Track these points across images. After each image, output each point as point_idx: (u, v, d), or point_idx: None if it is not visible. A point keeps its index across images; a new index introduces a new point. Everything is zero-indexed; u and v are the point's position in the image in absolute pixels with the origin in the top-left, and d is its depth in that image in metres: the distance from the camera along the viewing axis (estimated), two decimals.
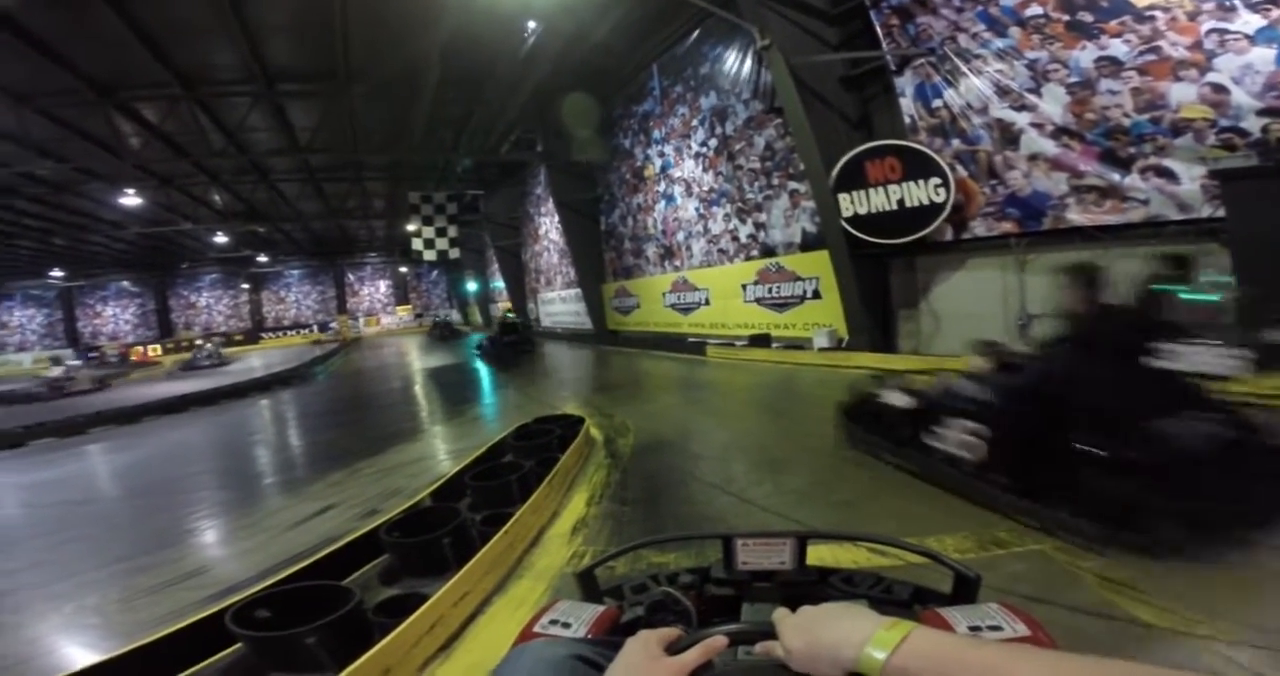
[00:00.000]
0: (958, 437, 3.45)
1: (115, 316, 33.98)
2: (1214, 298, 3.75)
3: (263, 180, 18.57)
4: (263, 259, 33.43)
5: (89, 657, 2.47)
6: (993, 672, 0.54)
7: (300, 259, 36.54)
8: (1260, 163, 4.94)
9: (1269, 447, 2.68)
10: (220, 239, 25.53)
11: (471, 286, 35.28)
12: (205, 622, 2.49)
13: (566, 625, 1.04)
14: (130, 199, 16.05)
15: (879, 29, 7.89)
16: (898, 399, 4.09)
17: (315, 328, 37.49)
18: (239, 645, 2.43)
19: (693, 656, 0.72)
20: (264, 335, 35.64)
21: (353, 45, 10.53)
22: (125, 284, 33.87)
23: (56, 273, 29.47)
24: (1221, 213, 5.30)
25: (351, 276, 39.32)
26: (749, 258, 11.84)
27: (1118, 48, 5.79)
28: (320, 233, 30.40)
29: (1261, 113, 5.04)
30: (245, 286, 36.33)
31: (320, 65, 11.36)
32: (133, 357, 29.52)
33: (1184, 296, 3.56)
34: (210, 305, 36.19)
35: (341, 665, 2.09)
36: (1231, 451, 2.55)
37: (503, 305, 22.61)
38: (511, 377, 12.13)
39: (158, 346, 32.19)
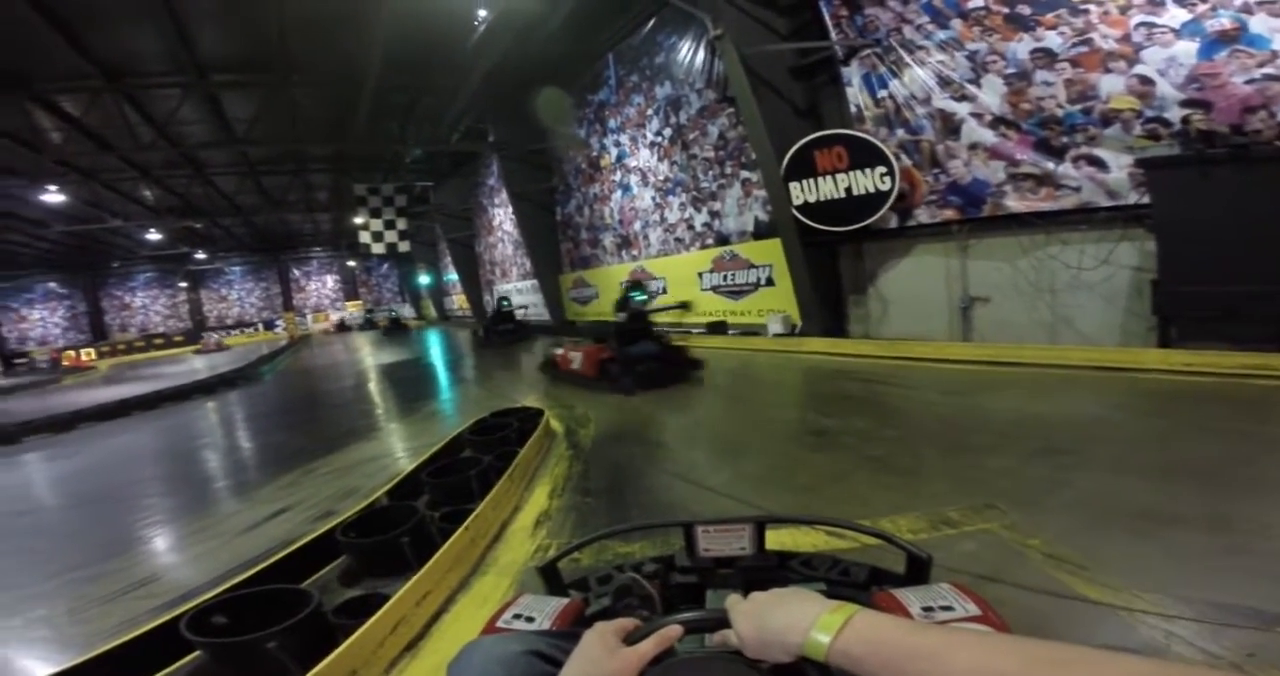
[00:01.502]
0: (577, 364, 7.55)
1: (43, 319, 32.08)
2: (644, 297, 8.74)
3: (198, 174, 17.75)
4: (201, 256, 32.06)
5: (41, 671, 2.37)
6: (932, 656, 0.55)
7: (241, 255, 35.14)
8: (1181, 152, 5.22)
9: (669, 354, 7.78)
10: (154, 236, 24.36)
11: (424, 279, 34.55)
12: (160, 630, 2.41)
13: (530, 619, 1.04)
14: (52, 196, 15.15)
15: (828, 20, 8.01)
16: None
17: (260, 326, 36.17)
18: (197, 653, 2.36)
19: (648, 646, 0.73)
20: (205, 335, 34.21)
21: (291, 32, 10.12)
22: (53, 285, 31.98)
23: None
24: (1147, 200, 5.58)
25: (297, 271, 38.05)
26: (704, 246, 11.93)
27: (1053, 40, 6.02)
28: (262, 227, 29.30)
29: (1184, 104, 5.32)
30: (183, 285, 34.76)
31: (257, 54, 10.90)
32: (65, 362, 27.93)
33: (638, 298, 8.47)
34: (146, 305, 34.50)
35: (305, 669, 2.05)
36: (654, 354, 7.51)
37: (499, 289, 22.21)
38: (471, 370, 11.96)
39: (91, 350, 30.53)
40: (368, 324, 34.77)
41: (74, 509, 5.75)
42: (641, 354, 7.55)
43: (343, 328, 35.99)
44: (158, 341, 32.80)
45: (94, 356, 29.98)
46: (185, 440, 8.53)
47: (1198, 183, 5.05)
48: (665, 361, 7.69)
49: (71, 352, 29.75)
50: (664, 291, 13.44)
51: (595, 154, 15.01)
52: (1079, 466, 3.49)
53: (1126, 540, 2.62)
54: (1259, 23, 4.84)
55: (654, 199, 13.20)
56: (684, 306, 10.38)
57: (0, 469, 7.69)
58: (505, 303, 17.78)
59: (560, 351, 8.71)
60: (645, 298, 8.81)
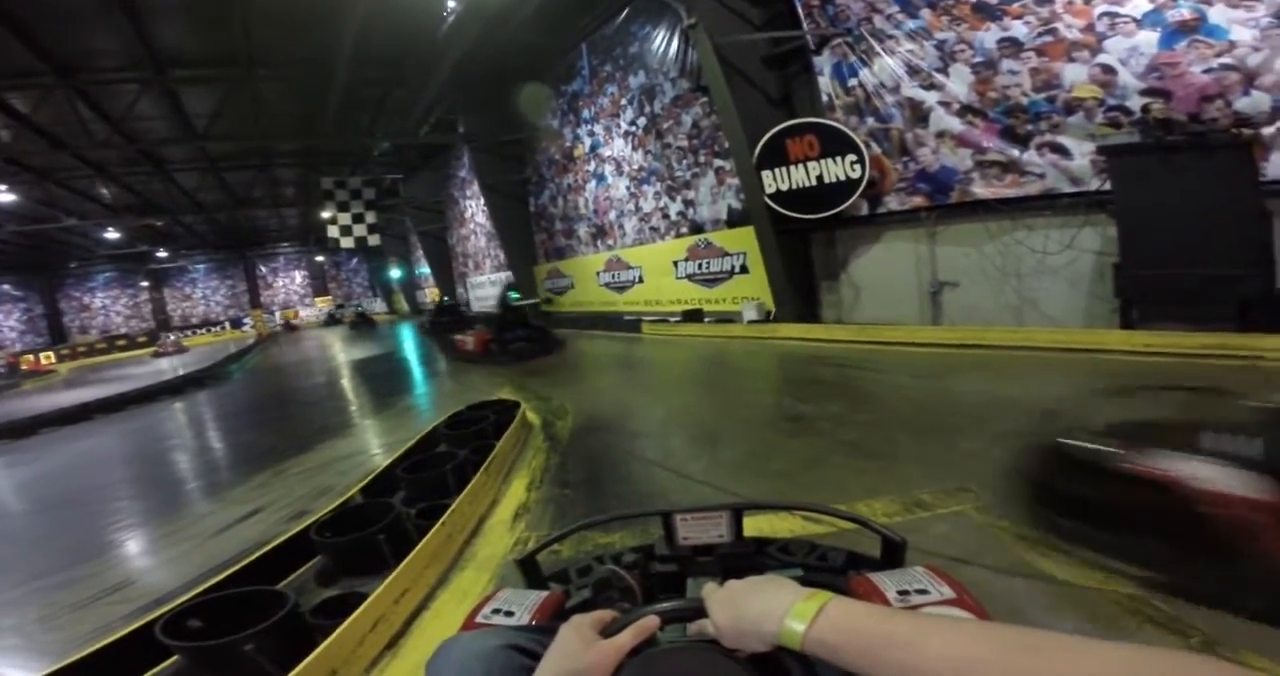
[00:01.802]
0: None
1: None
2: (518, 296, 12.41)
3: (157, 171, 17.17)
4: (163, 254, 31.10)
5: None
6: (906, 643, 0.55)
7: (205, 252, 34.19)
8: (1141, 140, 5.35)
9: (535, 337, 10.84)
10: (112, 235, 23.54)
11: (395, 273, 34.06)
12: (135, 636, 2.37)
13: (510, 613, 1.03)
14: (3, 196, 14.56)
15: (800, 9, 8.03)
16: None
17: (227, 324, 35.33)
18: (174, 657, 2.32)
19: (626, 638, 0.73)
20: (162, 335, 33.28)
21: (255, 25, 9.83)
22: (7, 287, 30.77)
23: None
24: (1108, 186, 5.71)
25: (264, 268, 37.17)
26: (679, 235, 11.94)
27: (1019, 29, 6.11)
28: (226, 224, 28.50)
29: (1144, 93, 5.45)
30: (145, 284, 33.71)
31: (218, 48, 10.56)
32: (23, 367, 26.99)
33: (514, 295, 11.55)
34: (107, 306, 33.40)
35: (285, 670, 2.03)
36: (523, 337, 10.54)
37: (473, 281, 22.22)
38: (414, 352, 11.85)
39: (50, 353, 29.53)
40: (331, 320, 34.05)
41: (39, 515, 5.59)
42: (513, 337, 10.61)
43: (289, 327, 34.50)
44: (120, 343, 31.79)
45: (53, 360, 29.02)
46: (152, 442, 8.32)
47: (1157, 169, 5.18)
48: (531, 342, 10.70)
49: (30, 357, 28.77)
50: (640, 280, 13.45)
51: (569, 144, 14.89)
52: None
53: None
54: (1218, 13, 4.97)
55: (629, 188, 13.15)
56: (548, 302, 16.05)
57: None
58: (446, 299, 21.39)
59: (459, 337, 11.22)
60: (519, 296, 12.78)
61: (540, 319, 15.18)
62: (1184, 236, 5.10)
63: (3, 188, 14.25)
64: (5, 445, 9.09)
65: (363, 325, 27.45)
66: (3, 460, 8.16)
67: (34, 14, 8.64)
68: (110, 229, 22.47)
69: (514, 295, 12.16)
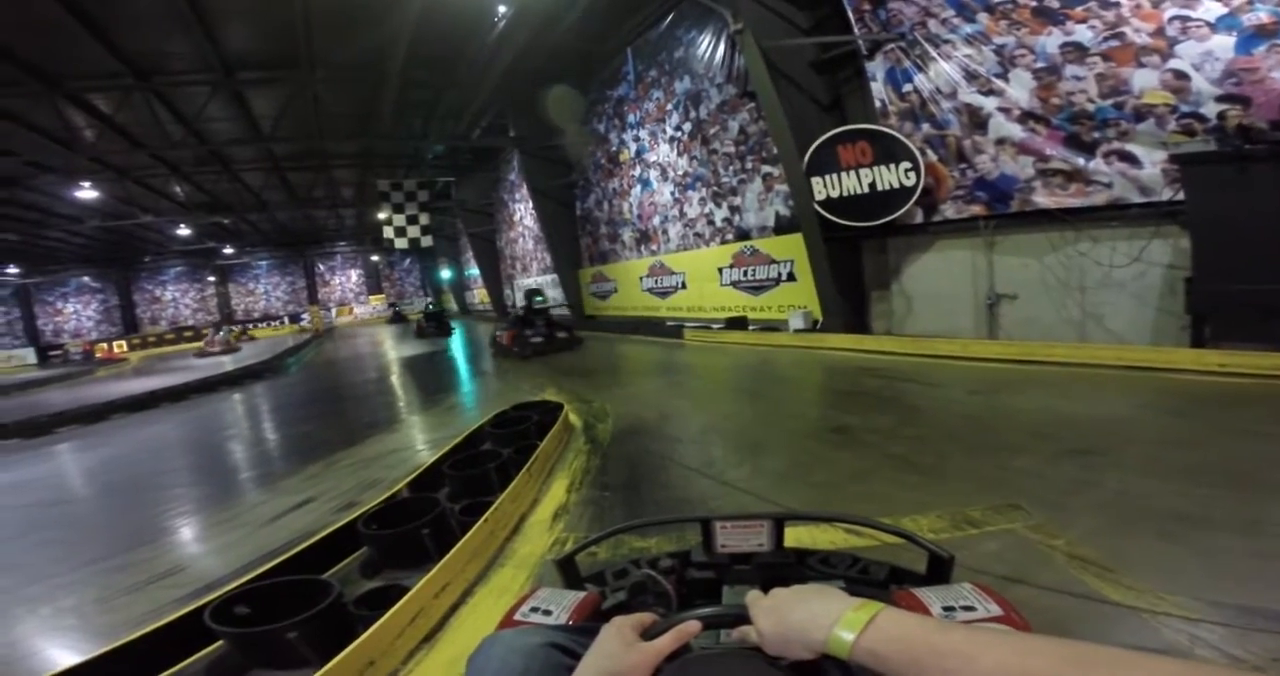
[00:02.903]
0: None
1: (77, 313, 32.97)
2: (541, 299, 13.65)
3: (225, 170, 18.06)
4: (229, 250, 32.65)
5: (70, 658, 2.43)
6: (958, 656, 0.55)
7: (268, 249, 35.78)
8: (1218, 148, 5.07)
9: (551, 334, 12.68)
10: (183, 231, 24.82)
11: (446, 274, 34.91)
12: (185, 620, 2.47)
13: (547, 612, 1.04)
14: (86, 192, 15.54)
15: (850, 13, 7.90)
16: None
17: (286, 319, 36.79)
18: (220, 642, 2.41)
19: (666, 641, 0.73)
20: (211, 329, 34.86)
21: (315, 29, 10.24)
22: (86, 279, 32.84)
23: (12, 269, 28.46)
24: (1181, 196, 5.43)
25: (322, 266, 38.64)
26: (724, 241, 11.87)
27: (1083, 33, 5.88)
28: (287, 223, 29.74)
29: (1220, 99, 5.17)
30: (212, 279, 35.51)
31: (281, 51, 11.04)
32: (98, 355, 28.67)
33: (537, 299, 13.15)
34: (176, 299, 35.32)
35: (325, 659, 2.08)
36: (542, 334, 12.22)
37: (520, 283, 22.83)
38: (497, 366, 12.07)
39: (123, 342, 31.29)
40: (397, 318, 33.86)
41: (103, 499, 5.90)
42: (534, 333, 12.45)
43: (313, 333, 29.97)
44: (187, 334, 33.51)
45: (125, 349, 30.76)
46: (212, 431, 8.71)
47: (1235, 179, 4.90)
48: (548, 339, 12.49)
49: (104, 345, 30.55)
50: (683, 286, 13.43)
51: (614, 149, 15.01)
52: (1107, 467, 3.41)
53: (1153, 542, 2.56)
54: None
55: (673, 194, 13.16)
56: (568, 306, 17.96)
57: (32, 460, 7.91)
58: (431, 304, 24.22)
59: (499, 333, 13.16)
60: (542, 299, 14.13)
61: (576, 319, 16.56)
62: (1262, 250, 4.80)
63: (87, 184, 15.19)
64: (78, 429, 9.65)
65: (434, 332, 20.78)
66: (75, 444, 8.66)
67: (113, 19, 9.20)
68: (182, 225, 23.71)
69: (538, 298, 13.95)
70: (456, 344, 18.37)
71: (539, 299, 13.92)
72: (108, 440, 8.66)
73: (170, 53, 10.59)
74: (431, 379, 11.83)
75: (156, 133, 12.88)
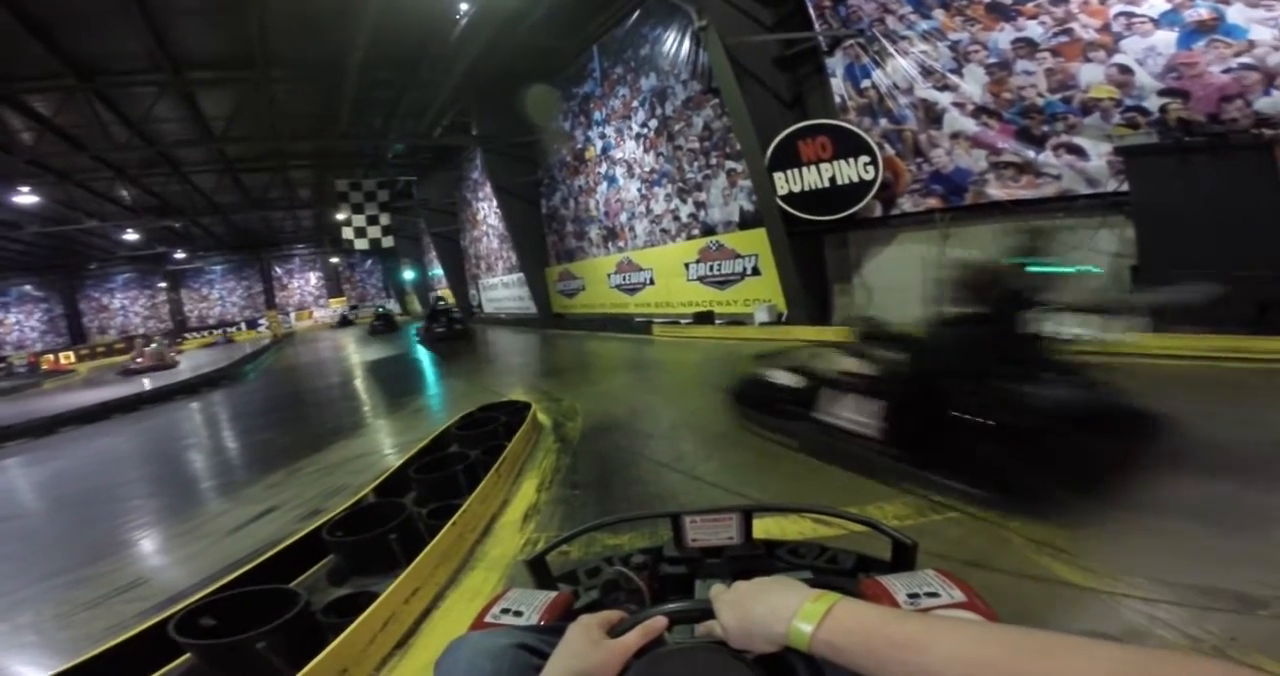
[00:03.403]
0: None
1: (19, 323, 31.42)
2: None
3: (174, 173, 17.44)
4: (180, 255, 31.57)
5: None
6: (914, 646, 0.55)
7: (222, 253, 34.63)
8: (1160, 140, 5.28)
9: (452, 329, 16.48)
10: (131, 236, 23.87)
11: (409, 275, 34.31)
12: (148, 634, 2.40)
13: (518, 613, 1.04)
14: (25, 197, 14.83)
15: (811, 10, 8.01)
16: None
17: (243, 325, 35.73)
18: (187, 655, 2.34)
19: (633, 638, 0.73)
20: (187, 335, 33.73)
21: (270, 28, 9.95)
22: (28, 288, 31.33)
23: None
24: (1126, 187, 5.64)
25: (279, 269, 37.58)
26: (690, 237, 11.93)
27: (1034, 29, 6.06)
28: (242, 225, 28.86)
29: (1162, 93, 5.38)
30: (163, 285, 34.22)
31: (235, 50, 10.69)
32: (44, 367, 27.44)
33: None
34: (125, 306, 33.92)
35: (295, 668, 2.05)
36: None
37: (485, 282, 23.50)
38: (455, 367, 11.92)
39: (70, 353, 30.01)
40: (344, 322, 33.71)
41: (56, 513, 5.68)
42: (437, 327, 16.69)
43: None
44: (138, 343, 32.25)
45: (73, 360, 29.50)
46: (168, 441, 8.43)
47: (1175, 170, 5.12)
48: (450, 331, 16.55)
49: (50, 356, 29.25)
50: (651, 283, 13.45)
51: (580, 146, 14.93)
52: None
53: (1105, 523, 2.65)
54: (1236, 12, 4.90)
55: (640, 190, 13.16)
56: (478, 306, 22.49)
57: None
58: (381, 308, 26.42)
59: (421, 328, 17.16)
60: (444, 303, 18.75)
61: (544, 318, 17.61)
62: (1202, 238, 5.03)
63: (25, 189, 14.53)
64: (26, 443, 9.25)
65: (384, 329, 23.96)
66: (23, 458, 8.31)
67: (55, 17, 8.79)
68: (129, 230, 22.80)
69: (442, 302, 19.14)
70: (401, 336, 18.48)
71: (441, 303, 19.53)
72: (58, 453, 8.32)
73: (115, 52, 10.16)
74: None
75: (100, 134, 12.34)
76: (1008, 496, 2.79)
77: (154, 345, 21.24)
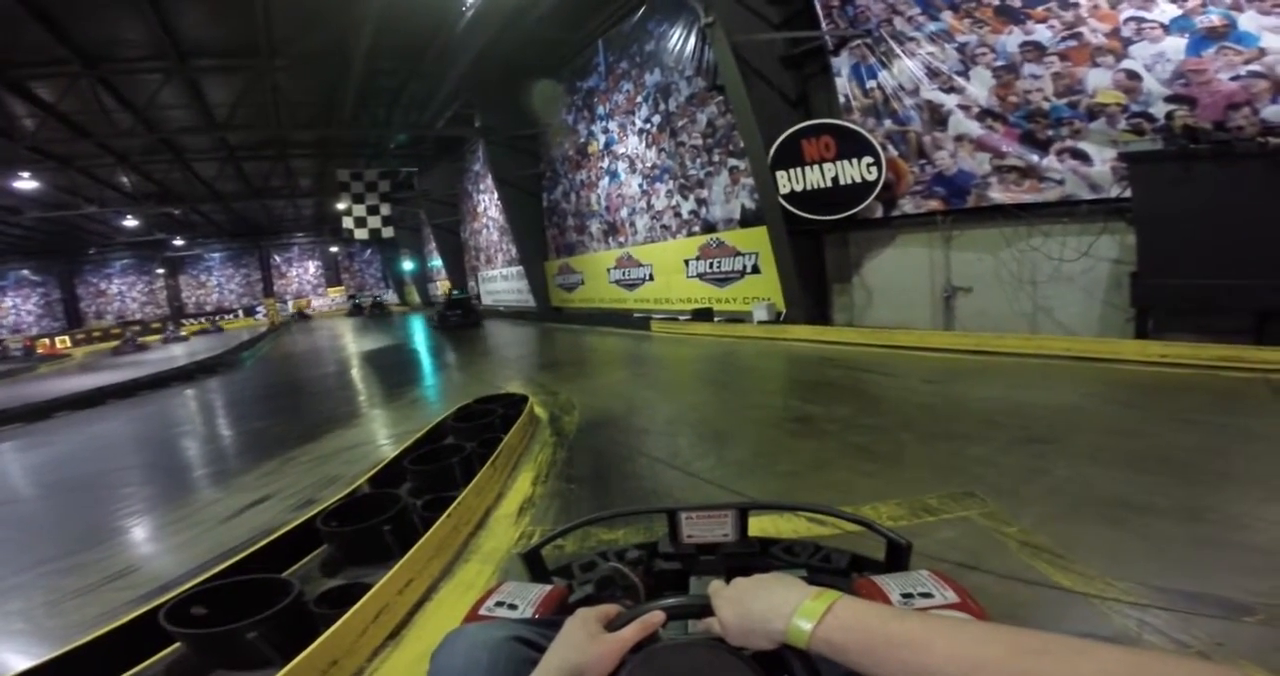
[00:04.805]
0: None
1: (16, 307, 31.34)
2: (460, 291, 11.77)
3: (176, 160, 17.39)
4: (179, 242, 31.50)
5: (19, 663, 2.33)
6: (913, 644, 0.55)
7: (221, 241, 34.57)
8: (1164, 147, 5.27)
9: (466, 317, 18.18)
10: (131, 222, 23.84)
11: (408, 266, 34.25)
12: (140, 622, 2.38)
13: (513, 606, 1.04)
14: (26, 182, 14.79)
15: (819, 9, 7.98)
16: None
17: (241, 312, 35.66)
18: (177, 644, 2.34)
19: (630, 632, 0.73)
20: (185, 322, 33.64)
21: (275, 15, 9.90)
22: (26, 272, 31.25)
23: None
24: (1128, 193, 5.63)
25: (278, 258, 37.51)
26: (691, 234, 11.92)
27: (1042, 33, 6.04)
28: (242, 213, 28.81)
29: (1169, 99, 5.37)
30: (161, 271, 34.14)
31: (240, 38, 10.66)
32: (39, 351, 27.39)
33: (457, 293, 10.27)
34: (123, 292, 33.85)
35: (287, 658, 2.04)
36: (459, 316, 16.99)
37: (484, 275, 23.82)
38: (453, 356, 11.91)
39: (66, 338, 29.94)
40: (357, 310, 34.21)
41: (50, 499, 5.66)
42: (452, 315, 17.82)
43: (302, 316, 35.21)
44: (135, 328, 32.20)
45: (69, 344, 29.45)
46: (163, 428, 8.41)
47: (1179, 177, 5.10)
48: (464, 319, 17.77)
49: (46, 341, 29.18)
50: (651, 278, 13.45)
51: (583, 140, 14.90)
52: (1057, 455, 3.54)
53: (1102, 529, 2.66)
54: (1248, 19, 4.88)
55: (641, 186, 13.14)
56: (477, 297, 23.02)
57: None
58: (457, 291, 25.56)
59: (433, 315, 18.77)
60: (460, 294, 19.45)
61: (542, 311, 17.96)
62: (1204, 246, 5.03)
63: (26, 174, 14.50)
64: (21, 428, 9.22)
65: (379, 314, 30.63)
66: (18, 443, 8.28)
67: (60, 2, 8.74)
68: (129, 216, 22.76)
69: (458, 292, 19.97)
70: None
71: (457, 293, 20.08)
72: (52, 438, 8.29)
73: (120, 39, 10.12)
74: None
75: (102, 121, 12.32)
76: None
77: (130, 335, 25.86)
